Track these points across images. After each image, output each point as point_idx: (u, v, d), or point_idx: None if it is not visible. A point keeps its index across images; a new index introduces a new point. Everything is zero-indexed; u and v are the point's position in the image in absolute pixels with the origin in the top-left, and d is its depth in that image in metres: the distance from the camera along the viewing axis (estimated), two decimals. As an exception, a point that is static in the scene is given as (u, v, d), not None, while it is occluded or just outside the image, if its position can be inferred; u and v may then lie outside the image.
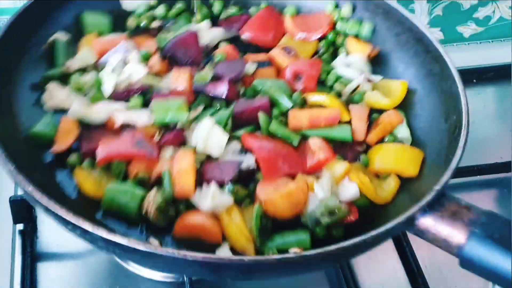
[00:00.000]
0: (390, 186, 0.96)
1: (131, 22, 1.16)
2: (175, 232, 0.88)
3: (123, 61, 1.04)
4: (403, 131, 1.04)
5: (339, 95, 1.08)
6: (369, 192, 0.93)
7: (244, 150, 0.95)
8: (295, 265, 0.80)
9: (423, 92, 1.07)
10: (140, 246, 0.76)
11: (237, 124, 0.98)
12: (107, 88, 1.01)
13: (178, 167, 0.89)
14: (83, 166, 0.92)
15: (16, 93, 1.01)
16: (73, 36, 1.11)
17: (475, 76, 1.40)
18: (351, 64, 1.12)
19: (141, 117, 0.96)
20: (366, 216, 0.93)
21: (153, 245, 0.83)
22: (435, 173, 0.90)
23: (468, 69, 1.38)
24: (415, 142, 1.03)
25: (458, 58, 1.41)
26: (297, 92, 1.04)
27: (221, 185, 0.90)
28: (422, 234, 0.83)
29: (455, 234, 0.81)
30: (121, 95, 1.00)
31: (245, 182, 0.92)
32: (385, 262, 1.08)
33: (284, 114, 1.01)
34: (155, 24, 1.16)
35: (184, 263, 0.76)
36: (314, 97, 1.04)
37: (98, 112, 0.97)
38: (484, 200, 1.18)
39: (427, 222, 0.83)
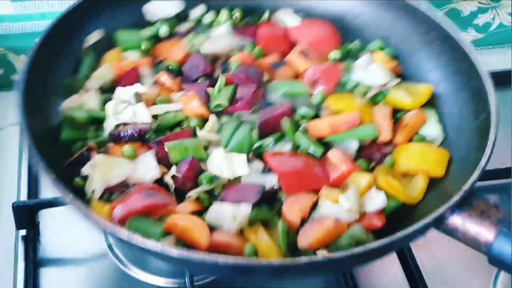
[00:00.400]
0: (419, 184, 0.95)
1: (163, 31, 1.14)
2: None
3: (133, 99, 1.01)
4: (434, 129, 1.03)
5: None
6: (399, 194, 0.92)
7: (267, 168, 0.94)
8: (324, 266, 0.79)
9: (452, 90, 1.06)
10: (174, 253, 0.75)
11: (263, 133, 0.97)
12: (108, 126, 0.98)
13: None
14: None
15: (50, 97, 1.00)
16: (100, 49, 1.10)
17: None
18: (374, 71, 1.10)
19: (150, 173, 0.92)
20: (394, 217, 0.92)
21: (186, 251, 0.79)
22: (463, 172, 0.90)
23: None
24: (444, 140, 1.03)
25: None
26: (317, 97, 1.03)
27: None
28: (451, 232, 0.84)
29: (484, 232, 0.81)
30: (119, 136, 0.96)
31: (269, 202, 0.91)
32: (385, 266, 1.07)
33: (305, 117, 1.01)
34: (181, 28, 1.15)
35: (216, 266, 0.77)
36: (333, 105, 1.03)
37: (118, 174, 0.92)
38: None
39: (456, 221, 0.83)
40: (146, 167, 0.92)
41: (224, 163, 0.92)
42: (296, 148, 0.97)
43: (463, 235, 0.83)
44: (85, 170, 0.91)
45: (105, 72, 1.05)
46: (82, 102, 1.01)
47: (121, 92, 1.01)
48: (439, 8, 1.41)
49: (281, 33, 1.15)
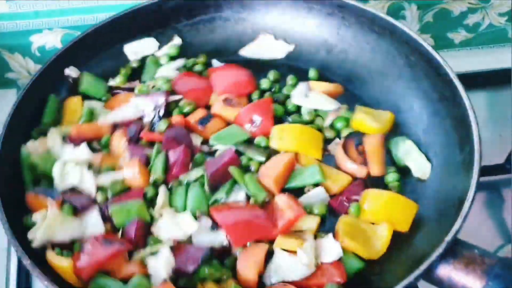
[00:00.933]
0: (383, 237, 0.92)
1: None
2: None
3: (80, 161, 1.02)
4: (419, 162, 1.01)
5: (318, 128, 1.07)
6: (359, 253, 0.91)
7: (215, 225, 0.92)
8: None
9: (438, 117, 1.04)
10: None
11: (214, 184, 0.97)
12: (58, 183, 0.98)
13: None
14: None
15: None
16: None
17: (465, 82, 1.42)
18: (316, 98, 1.10)
19: (95, 231, 0.94)
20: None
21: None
22: (447, 213, 0.90)
23: (458, 75, 1.40)
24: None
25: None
26: (259, 137, 1.04)
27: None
28: (438, 283, 0.85)
29: (470, 285, 0.82)
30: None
31: (223, 258, 0.91)
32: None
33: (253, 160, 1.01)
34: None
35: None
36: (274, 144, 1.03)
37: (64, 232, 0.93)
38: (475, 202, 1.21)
39: (442, 272, 0.84)
40: (92, 225, 0.94)
41: (172, 225, 0.93)
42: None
43: (451, 287, 0.83)
44: (36, 217, 0.93)
45: (53, 142, 1.04)
46: (45, 147, 1.03)
47: (69, 152, 1.02)
48: (430, 9, 1.41)
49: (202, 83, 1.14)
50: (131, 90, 1.13)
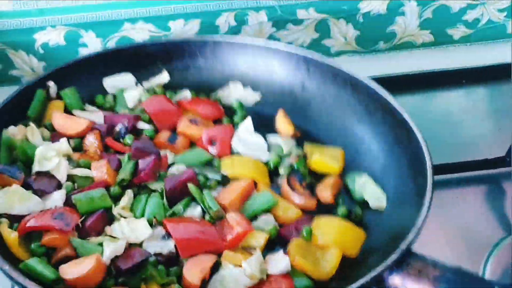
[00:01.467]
0: (332, 260, 0.97)
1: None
2: None
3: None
4: (375, 193, 1.07)
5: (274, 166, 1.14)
6: (309, 272, 0.96)
7: (167, 235, 0.99)
8: None
9: (394, 156, 1.11)
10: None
11: (172, 199, 1.03)
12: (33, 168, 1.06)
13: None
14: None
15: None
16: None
17: (465, 77, 1.44)
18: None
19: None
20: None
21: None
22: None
23: (457, 70, 1.43)
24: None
25: (448, 59, 1.45)
26: (216, 159, 1.13)
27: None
28: None
29: None
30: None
31: (170, 265, 0.96)
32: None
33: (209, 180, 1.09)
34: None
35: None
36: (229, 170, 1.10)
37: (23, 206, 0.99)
38: (473, 196, 1.23)
39: (394, 281, 0.87)
40: (53, 201, 1.00)
41: (127, 229, 0.98)
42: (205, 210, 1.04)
43: None
44: None
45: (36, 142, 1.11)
46: (23, 135, 1.11)
47: (53, 144, 1.10)
48: (429, 5, 1.43)
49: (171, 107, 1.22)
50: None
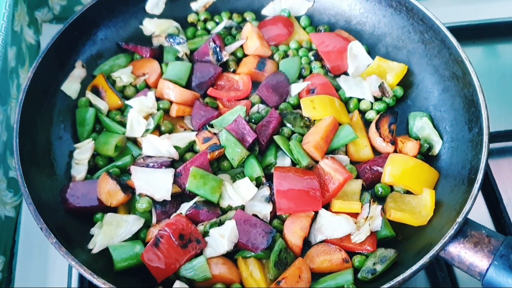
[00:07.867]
0: (427, 205, 0.95)
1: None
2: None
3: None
4: (432, 136, 1.04)
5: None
6: (409, 222, 0.95)
7: (271, 197, 0.96)
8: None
9: (448, 94, 1.04)
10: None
11: (264, 148, 1.02)
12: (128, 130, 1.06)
13: None
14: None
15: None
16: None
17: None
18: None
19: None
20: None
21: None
22: (458, 191, 0.92)
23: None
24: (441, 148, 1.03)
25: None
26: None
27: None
28: (448, 261, 0.88)
29: (477, 263, 0.86)
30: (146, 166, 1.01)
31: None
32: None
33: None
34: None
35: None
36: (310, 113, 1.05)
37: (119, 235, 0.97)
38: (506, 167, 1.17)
39: (452, 251, 0.88)
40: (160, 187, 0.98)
41: (233, 193, 0.97)
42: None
43: (459, 265, 0.87)
44: (93, 230, 0.97)
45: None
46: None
47: (141, 100, 1.08)
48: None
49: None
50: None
